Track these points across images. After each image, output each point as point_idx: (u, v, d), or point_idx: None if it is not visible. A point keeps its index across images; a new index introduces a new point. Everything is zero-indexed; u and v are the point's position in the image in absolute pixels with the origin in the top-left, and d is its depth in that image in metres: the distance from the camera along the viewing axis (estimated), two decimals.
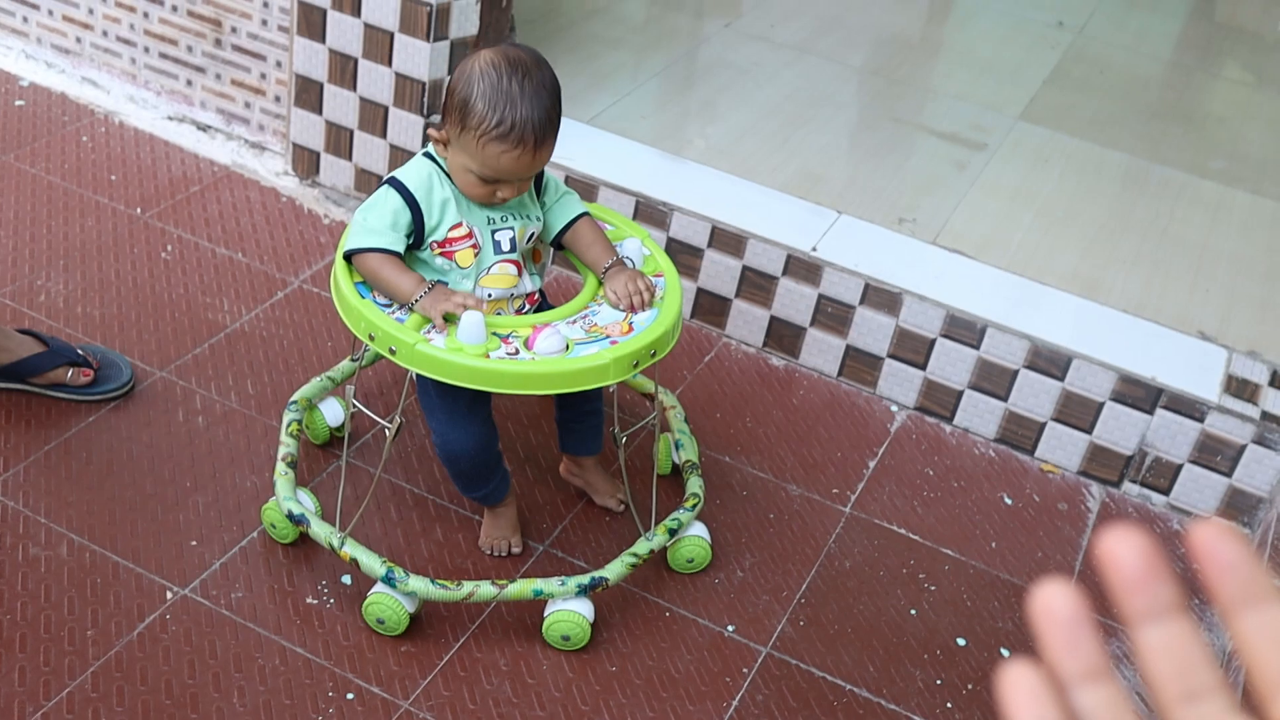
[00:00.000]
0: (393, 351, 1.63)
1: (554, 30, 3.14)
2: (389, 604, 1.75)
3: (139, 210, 2.56)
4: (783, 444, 2.27)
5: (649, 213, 2.46)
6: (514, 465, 2.10)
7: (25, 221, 2.48)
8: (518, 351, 1.64)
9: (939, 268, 2.42)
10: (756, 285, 2.43)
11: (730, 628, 1.90)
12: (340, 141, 2.66)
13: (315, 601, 1.82)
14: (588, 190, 2.50)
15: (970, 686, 1.87)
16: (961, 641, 1.94)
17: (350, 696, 1.70)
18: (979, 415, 2.35)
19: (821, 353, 2.43)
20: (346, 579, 1.86)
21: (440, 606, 1.83)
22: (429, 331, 1.65)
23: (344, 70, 2.58)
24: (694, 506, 1.95)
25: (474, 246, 1.73)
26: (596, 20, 3.27)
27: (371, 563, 1.75)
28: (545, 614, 1.80)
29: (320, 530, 1.81)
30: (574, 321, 1.72)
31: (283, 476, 1.87)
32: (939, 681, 1.87)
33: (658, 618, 1.89)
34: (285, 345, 2.28)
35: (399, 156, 2.61)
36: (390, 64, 2.52)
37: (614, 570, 1.82)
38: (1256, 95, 3.71)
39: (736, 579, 1.98)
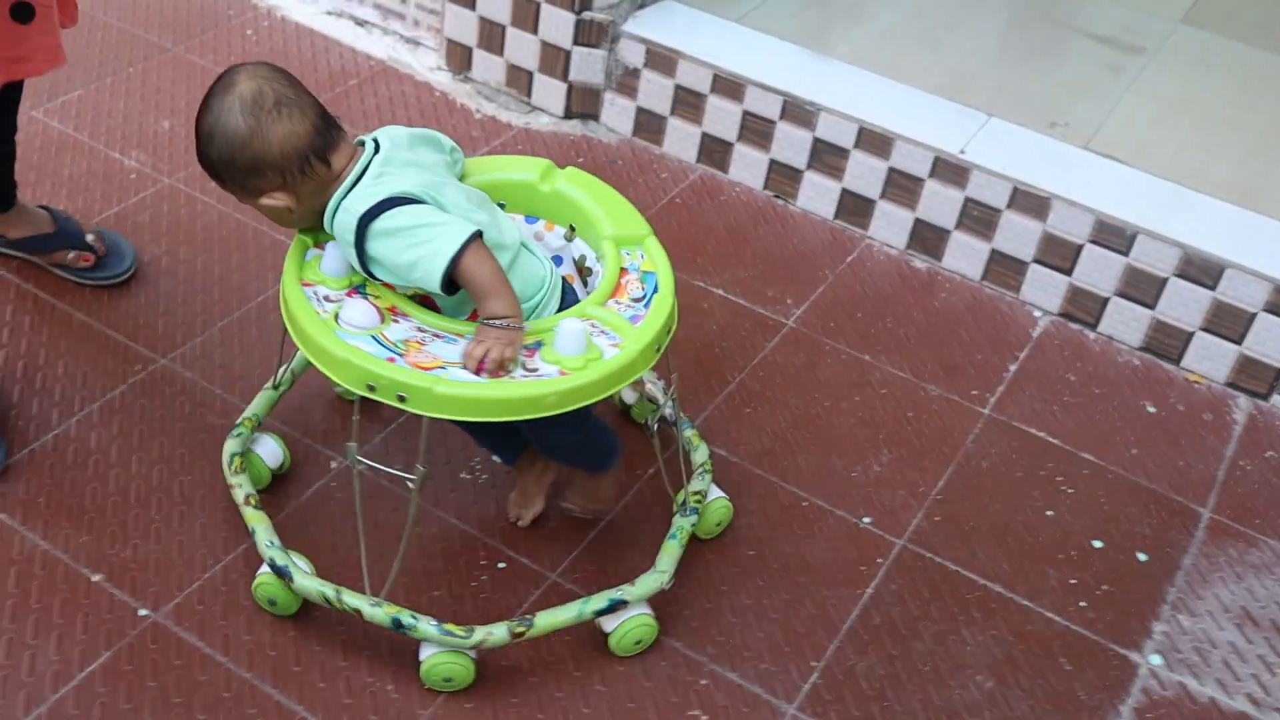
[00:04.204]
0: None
1: None
2: (276, 588, 1.67)
3: None
4: (923, 345, 2.28)
5: (796, 113, 2.47)
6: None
7: (196, 110, 2.57)
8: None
9: (1090, 173, 2.38)
10: (902, 187, 2.43)
11: (866, 519, 1.94)
12: (493, 37, 2.71)
13: (468, 476, 1.91)
14: (735, 88, 2.51)
15: (1105, 587, 1.89)
16: (1098, 544, 1.96)
17: (501, 565, 1.79)
18: (1124, 323, 2.32)
19: (965, 256, 2.43)
20: (496, 458, 1.94)
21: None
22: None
23: None
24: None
25: None
26: None
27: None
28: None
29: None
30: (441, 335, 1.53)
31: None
32: (1073, 581, 1.89)
33: (794, 506, 1.94)
34: None
35: (550, 53, 2.65)
36: None
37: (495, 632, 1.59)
38: None
39: (873, 473, 2.02)
